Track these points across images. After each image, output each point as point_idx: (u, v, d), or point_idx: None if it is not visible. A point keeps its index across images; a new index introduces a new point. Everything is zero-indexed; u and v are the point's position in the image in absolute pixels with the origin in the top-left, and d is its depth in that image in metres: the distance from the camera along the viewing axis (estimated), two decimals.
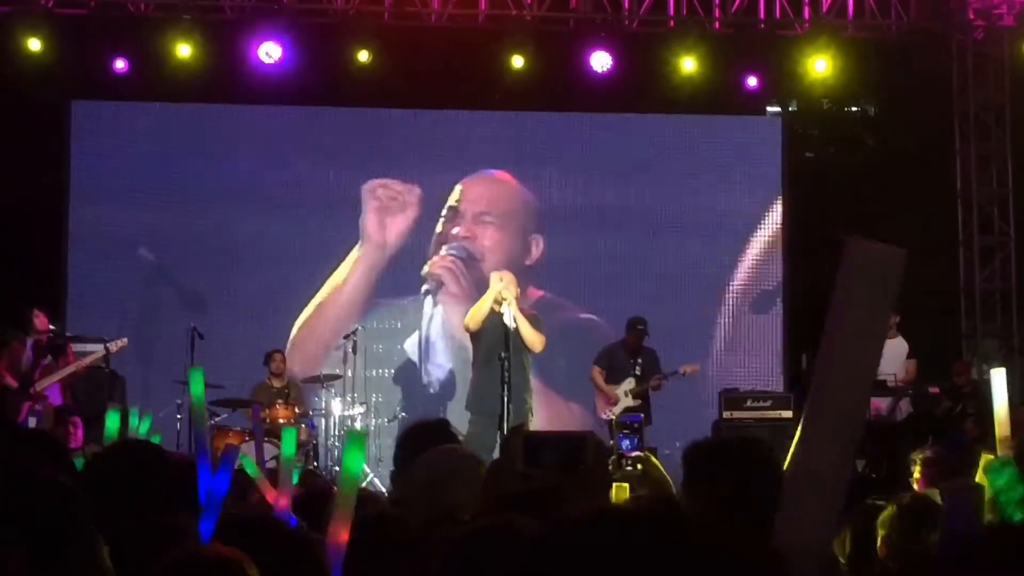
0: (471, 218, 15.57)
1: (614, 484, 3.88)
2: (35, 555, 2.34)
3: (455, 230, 15.48)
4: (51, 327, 12.73)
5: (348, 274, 15.40)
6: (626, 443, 9.49)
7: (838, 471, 1.87)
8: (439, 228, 15.49)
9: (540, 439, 3.37)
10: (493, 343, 11.19)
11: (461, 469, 3.76)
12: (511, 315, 11.10)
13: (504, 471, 3.42)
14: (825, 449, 1.86)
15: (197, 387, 3.93)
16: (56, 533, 2.39)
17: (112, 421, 4.98)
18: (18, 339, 12.64)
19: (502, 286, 11.29)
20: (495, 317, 11.27)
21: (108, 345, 12.69)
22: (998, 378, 4.22)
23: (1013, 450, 3.75)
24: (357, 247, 15.43)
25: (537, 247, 15.70)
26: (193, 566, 2.35)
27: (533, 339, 11.45)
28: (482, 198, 15.68)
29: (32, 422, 11.61)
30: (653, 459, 4.20)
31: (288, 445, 3.92)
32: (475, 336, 11.65)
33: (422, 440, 4.54)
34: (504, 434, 10.55)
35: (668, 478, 4.24)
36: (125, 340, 12.97)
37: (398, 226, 15.50)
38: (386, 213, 15.48)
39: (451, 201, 15.54)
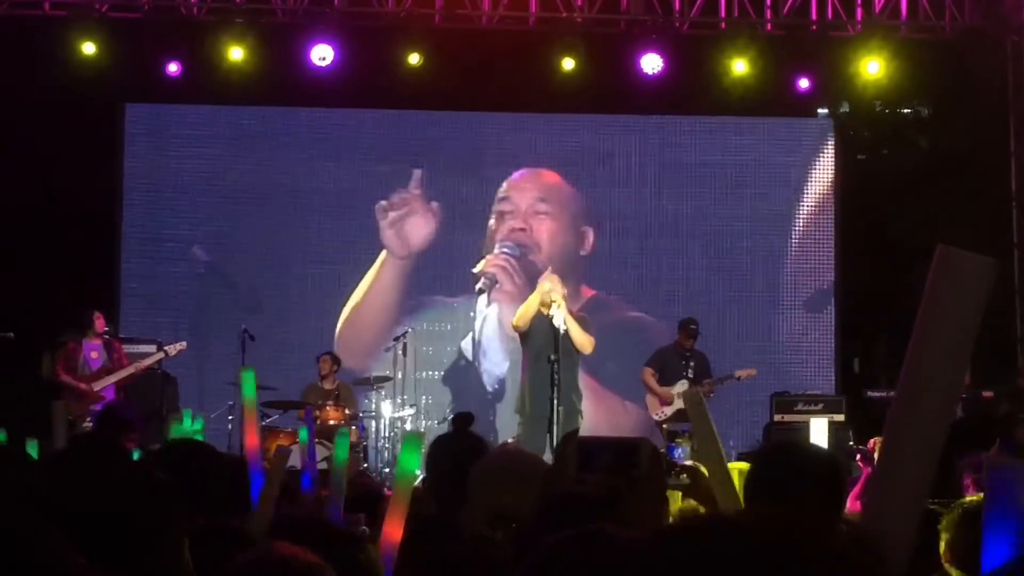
0: (525, 210, 15.60)
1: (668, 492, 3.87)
2: (138, 549, 2.39)
3: (510, 223, 15.50)
4: (106, 328, 12.86)
5: (373, 280, 15.46)
6: (678, 452, 9.48)
7: (921, 476, 1.85)
8: (492, 225, 15.53)
9: (594, 444, 3.37)
10: (542, 345, 11.20)
11: (519, 469, 3.76)
12: (561, 317, 11.11)
13: (559, 477, 3.42)
14: (908, 457, 1.85)
15: (249, 389, 3.96)
16: (157, 530, 2.44)
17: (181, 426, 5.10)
18: (74, 340, 12.77)
19: (550, 287, 11.30)
20: (544, 319, 11.28)
21: (167, 348, 12.81)
22: None
23: None
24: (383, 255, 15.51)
25: (588, 239, 15.72)
26: (276, 567, 2.32)
27: (583, 341, 11.44)
28: (533, 190, 15.72)
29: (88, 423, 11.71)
30: (702, 469, 4.19)
31: (342, 449, 3.93)
32: (524, 337, 11.66)
33: (448, 455, 4.56)
34: (553, 437, 10.57)
35: None
36: (184, 344, 13.06)
37: (420, 233, 15.52)
38: (401, 226, 15.50)
39: (502, 194, 15.58)
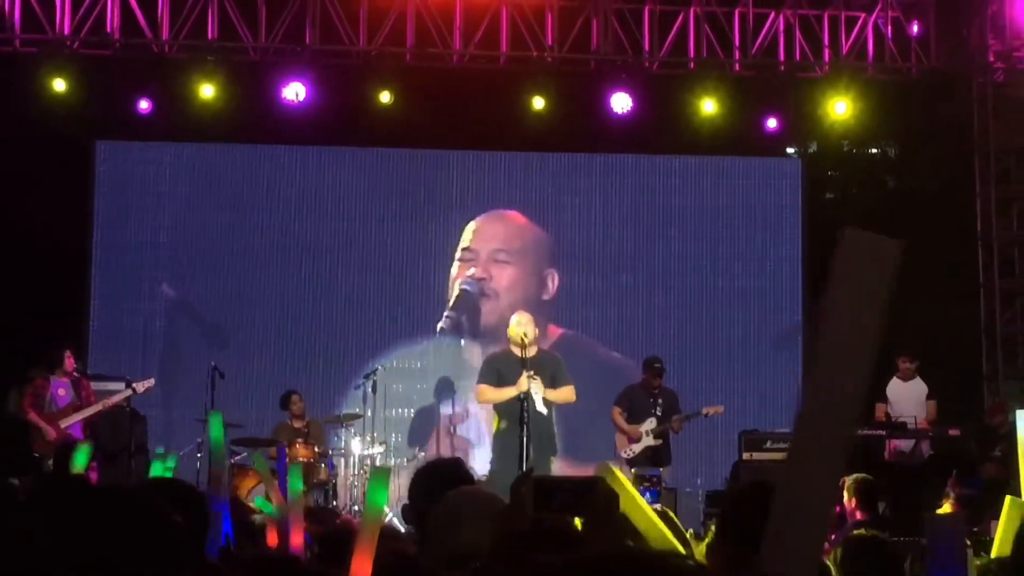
0: (486, 257, 15.65)
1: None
2: None
3: (470, 271, 15.55)
4: (75, 367, 12.79)
5: None
6: (647, 496, 9.48)
7: (824, 495, 1.80)
8: (454, 270, 15.57)
9: (550, 483, 3.36)
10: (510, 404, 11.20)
11: (479, 510, 3.77)
12: (540, 398, 11.12)
13: (515, 515, 3.42)
14: (811, 471, 1.79)
15: (216, 430, 3.98)
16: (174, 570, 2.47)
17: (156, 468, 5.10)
18: (42, 376, 12.71)
19: (528, 386, 11.18)
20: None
21: (135, 385, 12.74)
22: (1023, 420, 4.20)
23: None
24: None
25: (553, 282, 15.76)
26: None
27: (565, 398, 11.49)
28: (495, 236, 15.76)
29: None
30: (671, 514, 4.19)
31: (295, 482, 3.95)
32: None
33: (436, 479, 4.55)
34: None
35: (685, 535, 4.25)
36: (152, 381, 13.00)
37: None
38: None
39: (464, 242, 15.63)
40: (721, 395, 14.74)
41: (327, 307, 15.46)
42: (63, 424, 12.27)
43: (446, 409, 15.24)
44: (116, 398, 12.72)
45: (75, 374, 12.64)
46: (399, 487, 13.64)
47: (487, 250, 15.68)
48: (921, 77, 15.62)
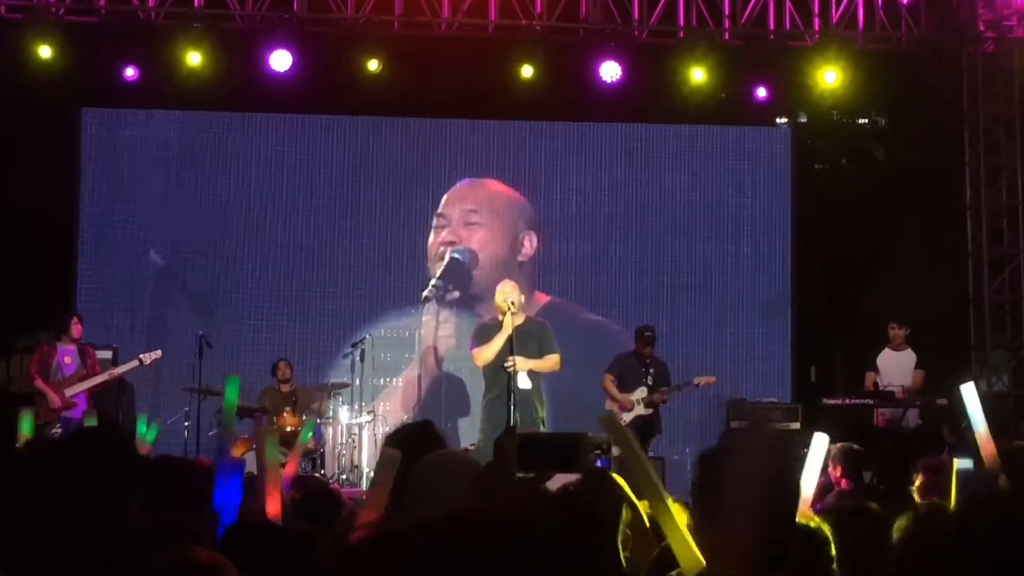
0: (457, 220, 15.64)
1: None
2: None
3: (443, 235, 15.54)
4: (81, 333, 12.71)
5: None
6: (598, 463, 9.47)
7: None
8: (431, 238, 15.56)
9: (535, 440, 3.33)
10: (503, 355, 11.20)
11: (453, 473, 3.73)
12: (524, 374, 11.12)
13: (498, 473, 3.38)
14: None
15: (232, 394, 3.93)
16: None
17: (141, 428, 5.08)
18: (48, 343, 12.67)
19: (508, 300, 11.20)
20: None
21: (142, 357, 12.69)
22: (969, 393, 4.13)
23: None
24: None
25: (531, 243, 15.74)
26: (176, 569, 2.39)
27: (550, 368, 11.50)
28: (467, 199, 15.75)
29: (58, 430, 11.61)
30: (618, 478, 4.17)
31: (272, 449, 3.93)
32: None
33: (405, 444, 4.53)
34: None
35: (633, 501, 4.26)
36: (159, 353, 12.93)
37: None
38: None
39: (439, 208, 15.62)
40: (710, 363, 14.74)
41: (315, 276, 15.43)
42: (68, 392, 12.23)
43: (433, 378, 15.24)
44: (122, 368, 12.69)
45: (81, 342, 12.59)
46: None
47: (458, 212, 15.68)
48: (911, 47, 15.58)
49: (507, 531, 1.24)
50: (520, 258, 15.67)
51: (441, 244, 15.53)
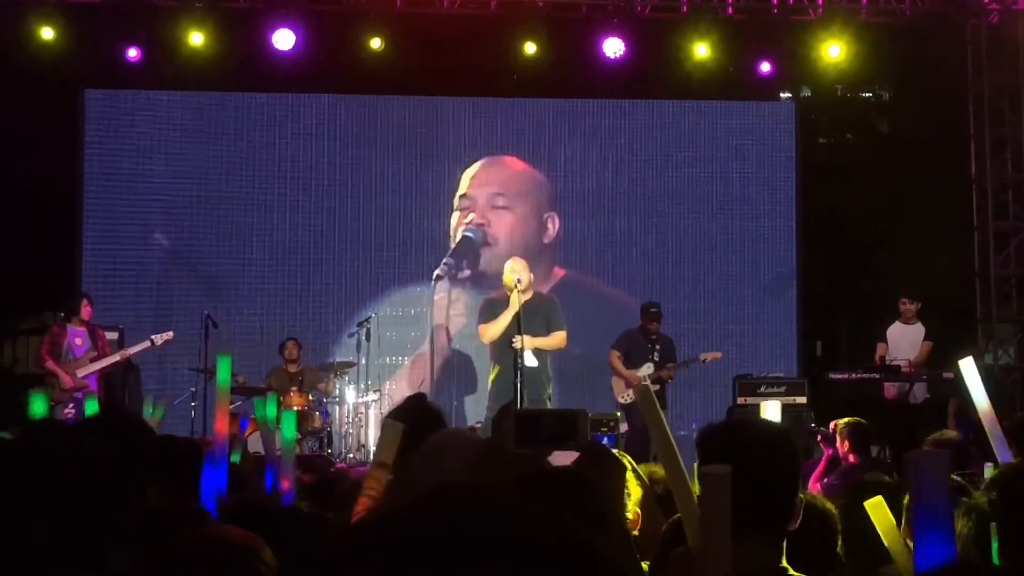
0: (483, 204, 15.60)
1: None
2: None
3: (469, 218, 15.51)
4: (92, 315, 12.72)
5: None
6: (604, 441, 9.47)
7: None
8: (454, 219, 15.53)
9: (532, 416, 3.30)
10: (510, 331, 11.20)
11: (454, 450, 3.73)
12: (530, 353, 11.14)
13: (496, 451, 3.37)
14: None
15: (224, 374, 3.95)
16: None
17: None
18: (58, 324, 12.67)
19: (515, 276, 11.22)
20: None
21: (154, 337, 12.70)
22: (968, 368, 4.11)
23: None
24: None
25: (553, 225, 15.74)
26: (210, 548, 2.38)
27: (556, 345, 11.51)
28: (492, 182, 15.71)
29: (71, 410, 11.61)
30: (628, 460, 4.17)
31: (288, 428, 3.93)
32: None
33: (404, 416, 4.54)
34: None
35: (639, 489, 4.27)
36: (171, 334, 12.92)
37: None
38: None
39: (461, 189, 15.59)
40: (715, 338, 14.73)
41: (320, 255, 15.43)
42: (80, 373, 12.24)
43: (440, 356, 15.24)
44: (134, 349, 12.70)
45: (91, 323, 12.60)
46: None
47: (484, 195, 15.65)
48: (915, 19, 15.52)
49: (494, 507, 1.23)
50: (546, 240, 15.68)
51: (469, 225, 15.50)
